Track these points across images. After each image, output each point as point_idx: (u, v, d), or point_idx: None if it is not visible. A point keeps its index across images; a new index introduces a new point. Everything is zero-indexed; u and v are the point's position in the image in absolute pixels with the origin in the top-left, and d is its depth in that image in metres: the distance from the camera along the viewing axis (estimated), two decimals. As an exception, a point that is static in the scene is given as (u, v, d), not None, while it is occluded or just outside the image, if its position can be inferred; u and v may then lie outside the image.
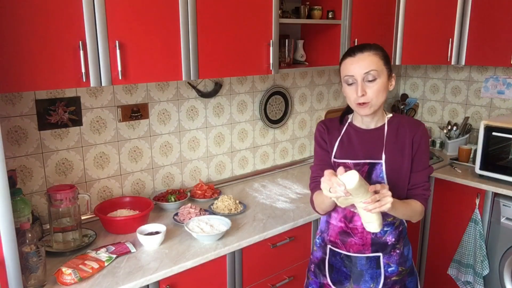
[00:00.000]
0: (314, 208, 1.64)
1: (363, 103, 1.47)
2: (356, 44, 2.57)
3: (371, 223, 1.41)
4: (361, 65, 1.46)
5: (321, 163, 1.62)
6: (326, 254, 1.66)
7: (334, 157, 1.59)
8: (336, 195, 1.31)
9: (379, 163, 1.53)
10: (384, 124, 1.57)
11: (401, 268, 1.61)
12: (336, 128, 1.63)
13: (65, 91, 1.94)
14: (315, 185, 1.60)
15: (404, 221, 1.64)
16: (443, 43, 2.88)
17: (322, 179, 1.34)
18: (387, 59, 1.50)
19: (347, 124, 1.62)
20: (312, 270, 1.73)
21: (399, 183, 1.53)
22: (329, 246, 1.64)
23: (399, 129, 1.56)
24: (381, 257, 1.58)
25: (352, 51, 1.49)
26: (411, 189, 1.56)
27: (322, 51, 2.69)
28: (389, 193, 1.34)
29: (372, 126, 1.58)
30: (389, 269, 1.59)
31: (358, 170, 1.48)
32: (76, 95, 1.98)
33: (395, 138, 1.55)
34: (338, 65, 1.55)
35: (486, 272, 2.62)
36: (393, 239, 1.59)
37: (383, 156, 1.52)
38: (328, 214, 1.63)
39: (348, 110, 1.63)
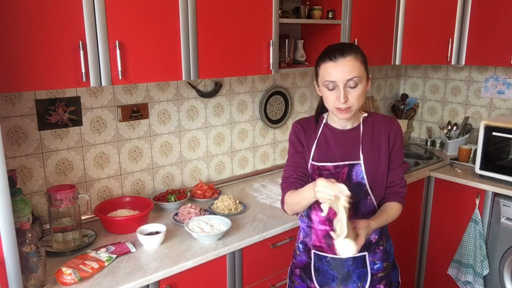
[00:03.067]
0: (283, 207, 1.61)
1: (345, 109, 1.45)
2: (356, 44, 2.60)
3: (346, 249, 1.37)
4: (343, 71, 1.41)
5: (294, 165, 1.60)
6: (311, 259, 1.63)
7: (312, 160, 1.56)
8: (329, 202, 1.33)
9: (357, 163, 1.52)
10: (359, 124, 1.57)
11: (386, 264, 1.63)
12: (312, 129, 1.60)
13: (65, 91, 1.94)
14: (287, 185, 1.58)
15: None
16: (443, 43, 2.88)
17: (324, 184, 1.33)
18: (366, 62, 1.48)
19: (322, 124, 1.60)
20: (298, 274, 1.70)
21: (377, 182, 1.54)
22: (313, 251, 1.61)
23: (374, 128, 1.56)
24: (367, 256, 1.59)
25: (332, 55, 1.44)
26: (389, 187, 1.57)
27: (322, 51, 2.68)
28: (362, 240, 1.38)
29: (348, 126, 1.57)
30: (375, 267, 1.60)
31: (337, 173, 1.54)
32: (76, 95, 1.98)
33: (371, 137, 1.55)
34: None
35: (486, 272, 2.62)
36: (376, 237, 1.59)
37: (361, 156, 1.52)
38: (309, 218, 1.61)
39: (322, 109, 1.61)
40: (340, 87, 1.42)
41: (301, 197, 1.46)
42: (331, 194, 1.31)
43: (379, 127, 1.56)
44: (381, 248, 1.61)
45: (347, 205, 1.33)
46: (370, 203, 1.56)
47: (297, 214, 1.63)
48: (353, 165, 1.52)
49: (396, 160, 1.57)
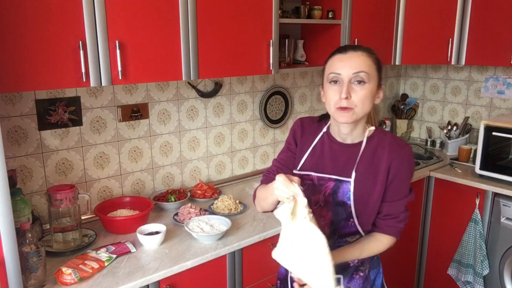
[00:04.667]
0: (254, 201, 1.48)
1: (345, 108, 1.29)
2: (356, 44, 2.59)
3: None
4: (351, 63, 1.29)
5: (281, 162, 1.49)
6: (288, 271, 1.50)
7: (299, 169, 1.44)
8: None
9: (347, 181, 1.35)
10: (361, 141, 1.39)
11: None
12: (312, 132, 1.47)
13: (65, 91, 1.94)
14: (264, 179, 1.47)
15: None
16: (443, 43, 2.88)
17: (281, 181, 1.18)
18: (379, 66, 1.35)
19: (323, 131, 1.46)
20: (278, 286, 1.59)
21: (366, 210, 1.36)
22: None
23: (377, 150, 1.36)
24: (342, 279, 1.41)
25: (343, 48, 1.33)
26: (382, 219, 1.38)
27: (322, 51, 2.69)
28: None
29: (348, 141, 1.40)
30: None
31: (321, 185, 1.37)
32: (76, 95, 1.98)
33: (371, 159, 1.36)
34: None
35: (486, 272, 2.62)
36: (356, 261, 1.42)
37: (353, 175, 1.34)
38: None
39: (328, 116, 1.47)
40: (344, 81, 1.29)
41: (267, 192, 1.31)
42: (287, 193, 1.17)
43: (383, 151, 1.36)
44: (361, 274, 1.44)
45: (307, 215, 1.17)
46: (352, 225, 1.39)
47: (266, 212, 1.45)
48: (341, 181, 1.36)
49: (396, 193, 1.36)
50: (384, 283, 1.54)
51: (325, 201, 1.39)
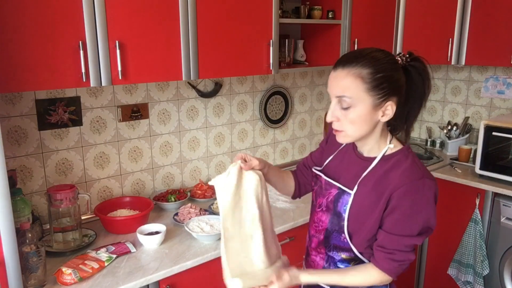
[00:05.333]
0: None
1: (337, 130, 1.22)
2: (356, 44, 2.60)
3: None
4: (336, 85, 1.18)
5: (310, 157, 1.54)
6: None
7: (319, 168, 1.41)
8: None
9: (348, 193, 1.27)
10: (375, 157, 1.26)
11: None
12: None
13: (65, 91, 1.94)
14: (296, 169, 1.57)
15: None
16: (443, 43, 2.88)
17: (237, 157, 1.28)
18: (378, 82, 1.15)
19: None
20: None
21: (360, 230, 1.26)
22: None
23: (390, 172, 1.22)
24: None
25: (338, 62, 1.20)
26: (376, 249, 1.25)
27: (322, 51, 2.69)
28: None
29: (365, 153, 1.30)
30: None
31: (326, 190, 1.34)
32: (76, 95, 1.98)
33: (380, 179, 1.23)
34: None
35: (486, 272, 2.62)
36: None
37: (355, 188, 1.25)
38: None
39: None
40: (332, 103, 1.21)
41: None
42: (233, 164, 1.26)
43: (393, 177, 1.21)
44: None
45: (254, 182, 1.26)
46: (345, 241, 1.30)
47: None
48: (344, 191, 1.28)
49: (396, 227, 1.20)
50: None
51: (327, 207, 1.34)
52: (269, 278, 1.26)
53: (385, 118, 1.19)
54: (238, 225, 1.27)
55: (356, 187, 1.26)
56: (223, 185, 1.26)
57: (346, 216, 1.26)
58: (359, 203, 1.25)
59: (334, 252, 1.34)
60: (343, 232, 1.28)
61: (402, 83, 1.19)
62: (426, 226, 1.21)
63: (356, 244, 1.28)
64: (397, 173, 1.20)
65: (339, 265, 1.33)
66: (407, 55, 1.21)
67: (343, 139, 1.24)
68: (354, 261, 1.31)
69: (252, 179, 1.28)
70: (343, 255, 1.32)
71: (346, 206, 1.26)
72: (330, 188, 1.34)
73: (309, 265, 1.44)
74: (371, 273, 1.26)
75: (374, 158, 1.26)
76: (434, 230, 1.24)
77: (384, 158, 1.25)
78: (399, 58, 1.20)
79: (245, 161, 1.29)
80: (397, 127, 1.26)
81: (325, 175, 1.37)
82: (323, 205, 1.36)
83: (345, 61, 1.18)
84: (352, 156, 1.34)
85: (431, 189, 1.19)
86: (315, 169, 1.42)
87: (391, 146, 1.25)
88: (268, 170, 1.39)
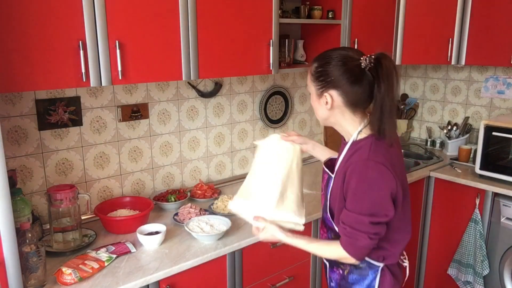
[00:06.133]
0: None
1: None
2: (356, 44, 2.60)
3: None
4: None
5: None
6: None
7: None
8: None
9: (331, 177, 1.43)
10: (347, 143, 1.41)
11: None
12: None
13: (65, 91, 1.94)
14: None
15: None
16: (443, 43, 2.88)
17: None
18: (317, 75, 1.36)
19: None
20: None
21: (336, 213, 1.40)
22: None
23: (350, 157, 1.36)
24: (328, 267, 1.58)
25: None
26: (338, 225, 1.39)
27: (322, 51, 2.64)
28: (260, 233, 1.48)
29: (346, 140, 1.45)
30: (331, 283, 1.57)
31: (323, 174, 1.53)
32: (76, 95, 1.98)
33: (344, 164, 1.38)
34: None
35: (486, 272, 2.62)
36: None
37: (335, 172, 1.41)
38: None
39: None
40: None
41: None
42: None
43: (351, 160, 1.35)
44: (340, 271, 1.50)
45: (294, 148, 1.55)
46: (329, 220, 1.46)
47: None
48: (329, 176, 1.45)
49: (350, 203, 1.33)
50: None
51: (322, 190, 1.54)
52: (258, 226, 1.50)
53: (328, 107, 1.36)
54: (265, 173, 1.52)
55: (335, 171, 1.42)
56: (263, 144, 1.58)
57: (328, 197, 1.44)
58: (335, 185, 1.40)
59: (328, 231, 1.52)
60: (327, 212, 1.46)
61: (338, 78, 1.31)
62: (376, 209, 1.30)
63: (336, 223, 1.42)
64: (354, 157, 1.34)
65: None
66: (372, 55, 1.30)
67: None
68: None
69: (288, 147, 1.55)
70: (332, 235, 1.49)
71: (329, 188, 1.44)
72: (324, 173, 1.52)
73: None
74: (332, 246, 1.40)
75: (346, 143, 1.43)
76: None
77: (353, 143, 1.39)
78: (362, 59, 1.30)
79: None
80: (374, 120, 1.33)
81: (329, 161, 1.56)
82: (322, 189, 1.55)
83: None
84: (343, 144, 1.50)
85: (375, 171, 1.28)
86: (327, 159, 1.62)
87: (355, 134, 1.38)
88: (314, 147, 1.66)
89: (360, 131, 1.37)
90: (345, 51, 1.37)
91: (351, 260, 1.37)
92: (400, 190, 1.32)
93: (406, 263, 1.57)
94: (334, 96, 1.34)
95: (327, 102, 1.35)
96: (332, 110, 1.37)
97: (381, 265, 1.44)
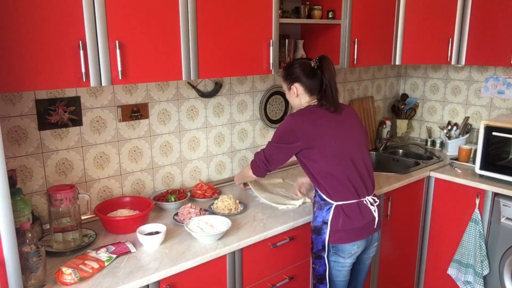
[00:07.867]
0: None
1: None
2: (356, 44, 2.60)
3: None
4: None
5: None
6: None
7: None
8: None
9: None
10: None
11: (311, 225, 1.98)
12: None
13: (65, 91, 1.94)
14: None
15: (318, 190, 1.94)
16: (443, 43, 2.88)
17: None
18: (285, 76, 1.99)
19: None
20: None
21: None
22: None
23: None
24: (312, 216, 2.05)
25: None
26: None
27: (322, 51, 2.68)
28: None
29: None
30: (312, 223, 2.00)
31: None
32: (76, 95, 1.98)
33: None
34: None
35: (486, 272, 2.62)
36: (312, 196, 2.04)
37: None
38: None
39: None
40: None
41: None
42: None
43: None
44: (314, 207, 1.98)
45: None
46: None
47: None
48: None
49: None
50: (327, 236, 1.88)
51: None
52: None
53: (295, 95, 1.97)
54: None
55: None
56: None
57: None
58: None
59: None
60: None
61: (299, 75, 1.93)
62: (276, 138, 1.95)
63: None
64: None
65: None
66: (317, 58, 1.93)
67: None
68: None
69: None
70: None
71: None
72: None
73: None
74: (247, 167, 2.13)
75: None
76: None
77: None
78: (312, 61, 1.92)
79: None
80: (322, 96, 1.93)
81: None
82: None
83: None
84: None
85: (287, 119, 1.93)
86: None
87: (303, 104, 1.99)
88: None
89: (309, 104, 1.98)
90: (301, 59, 2.02)
91: (251, 171, 2.07)
92: (309, 131, 1.85)
93: (371, 206, 1.92)
94: (297, 87, 1.95)
95: (294, 92, 1.96)
96: (298, 97, 1.97)
97: (333, 203, 1.88)
